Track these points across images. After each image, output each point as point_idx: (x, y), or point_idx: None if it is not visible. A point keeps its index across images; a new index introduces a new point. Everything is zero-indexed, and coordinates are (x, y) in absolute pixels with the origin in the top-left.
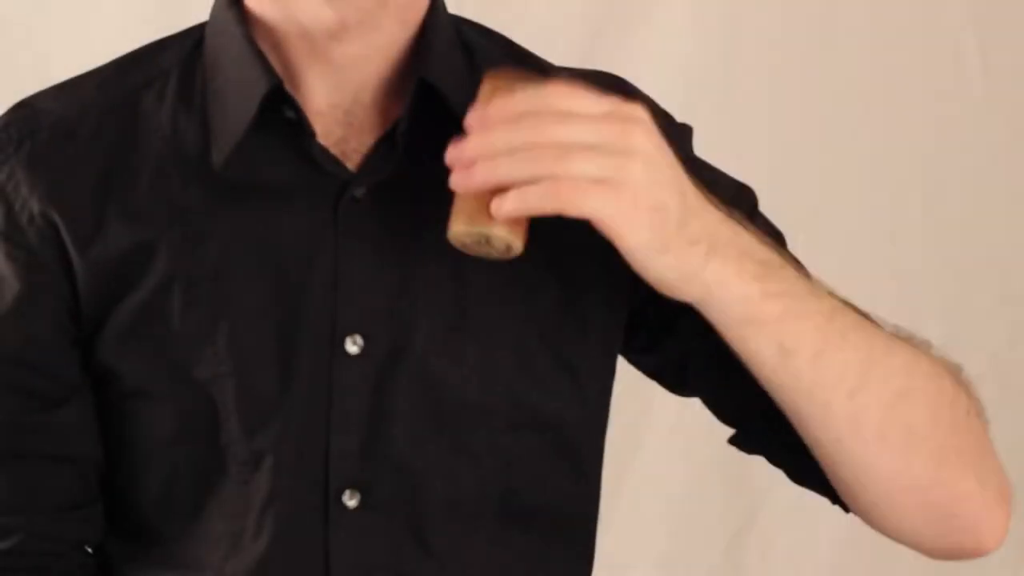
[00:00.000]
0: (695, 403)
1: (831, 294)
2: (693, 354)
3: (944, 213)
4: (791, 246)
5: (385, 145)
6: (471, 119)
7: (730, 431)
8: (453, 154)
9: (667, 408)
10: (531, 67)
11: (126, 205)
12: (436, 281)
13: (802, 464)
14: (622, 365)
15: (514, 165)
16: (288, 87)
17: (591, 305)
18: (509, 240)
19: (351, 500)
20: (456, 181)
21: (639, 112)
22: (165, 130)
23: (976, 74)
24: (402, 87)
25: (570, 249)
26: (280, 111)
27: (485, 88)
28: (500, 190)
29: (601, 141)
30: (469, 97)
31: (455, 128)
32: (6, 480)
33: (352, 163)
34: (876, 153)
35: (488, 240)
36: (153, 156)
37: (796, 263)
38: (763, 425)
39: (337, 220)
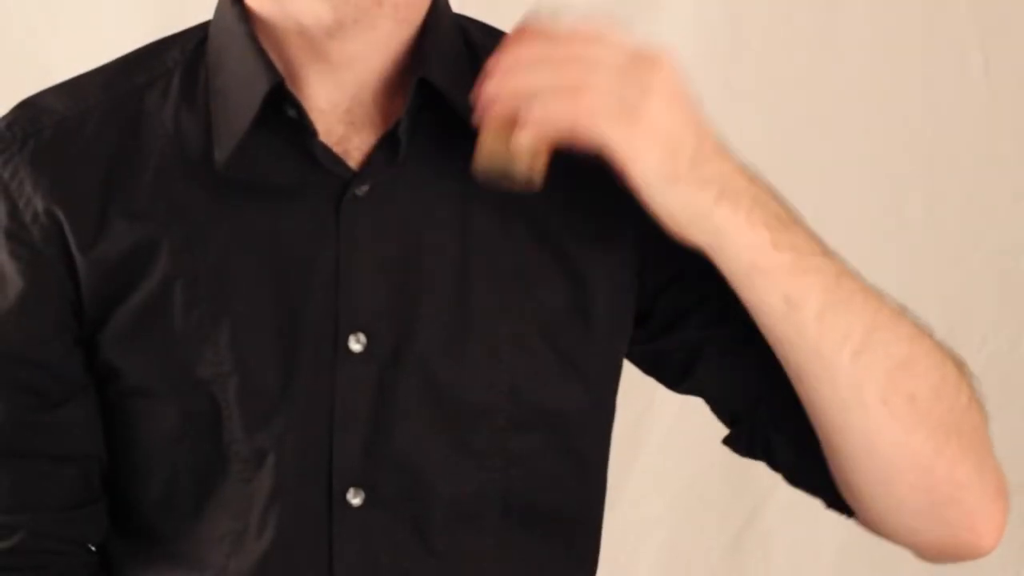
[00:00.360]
0: (696, 403)
1: (842, 261)
2: (701, 346)
3: (945, 212)
4: None
5: (387, 144)
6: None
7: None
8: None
9: (668, 408)
10: None
11: (129, 204)
12: (438, 279)
13: (800, 465)
14: (624, 364)
15: (540, 74)
16: (289, 85)
17: (596, 303)
18: (530, 165)
19: (355, 498)
20: (484, 99)
21: (665, 55)
22: (168, 129)
23: (978, 73)
24: (403, 86)
25: (575, 246)
26: (282, 109)
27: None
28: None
29: (626, 71)
30: (471, 96)
31: (457, 127)
32: (8, 479)
33: (354, 161)
34: (877, 150)
35: (509, 169)
36: (156, 155)
37: (809, 230)
38: (765, 421)
39: (339, 218)
